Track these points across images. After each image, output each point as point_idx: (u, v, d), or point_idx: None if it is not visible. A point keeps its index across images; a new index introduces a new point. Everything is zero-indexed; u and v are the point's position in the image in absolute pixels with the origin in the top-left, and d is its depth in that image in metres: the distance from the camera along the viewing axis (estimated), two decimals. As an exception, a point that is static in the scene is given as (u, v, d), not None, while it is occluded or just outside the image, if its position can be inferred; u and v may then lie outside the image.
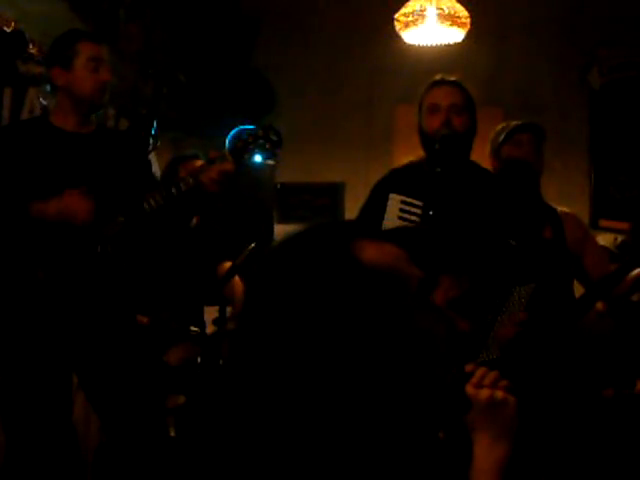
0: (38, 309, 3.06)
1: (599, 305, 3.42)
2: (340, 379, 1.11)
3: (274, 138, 3.21)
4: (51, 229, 3.07)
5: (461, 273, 2.63)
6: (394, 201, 2.95)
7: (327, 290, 1.13)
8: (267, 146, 3.20)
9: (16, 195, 3.09)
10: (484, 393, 1.41)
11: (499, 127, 3.52)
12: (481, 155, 3.35)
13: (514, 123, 3.50)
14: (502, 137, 3.43)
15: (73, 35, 3.23)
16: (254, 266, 1.23)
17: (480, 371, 1.43)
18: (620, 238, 4.22)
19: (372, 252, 1.16)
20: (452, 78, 3.04)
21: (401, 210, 2.94)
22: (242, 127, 3.63)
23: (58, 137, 3.19)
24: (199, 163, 4.14)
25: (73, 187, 3.08)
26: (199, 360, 3.69)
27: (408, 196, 2.94)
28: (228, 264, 4.13)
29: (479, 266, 2.75)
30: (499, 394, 1.41)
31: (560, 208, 3.42)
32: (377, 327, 1.12)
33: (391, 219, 2.91)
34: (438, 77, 3.06)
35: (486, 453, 1.39)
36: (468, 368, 1.44)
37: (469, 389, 1.41)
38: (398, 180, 3.07)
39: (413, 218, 2.90)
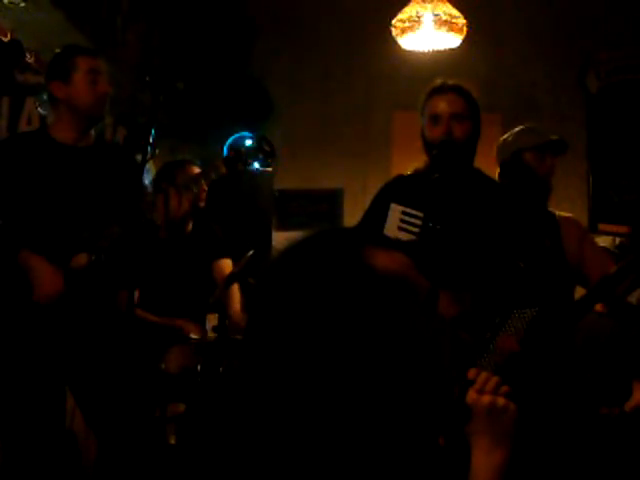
0: (31, 319, 3.06)
1: (598, 307, 3.42)
2: (350, 382, 1.11)
3: (267, 149, 3.25)
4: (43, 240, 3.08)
5: (462, 290, 2.62)
6: (395, 211, 2.94)
7: (340, 295, 1.13)
8: (260, 156, 3.24)
9: (14, 211, 3.09)
10: (485, 399, 1.41)
11: (519, 128, 3.48)
12: (480, 161, 3.34)
13: (542, 133, 3.47)
14: (529, 145, 3.39)
15: (71, 50, 3.28)
16: (260, 272, 1.23)
17: (482, 377, 1.43)
18: (619, 239, 4.21)
19: (383, 259, 1.16)
20: (453, 82, 3.01)
21: (401, 221, 2.92)
22: (240, 134, 3.66)
23: (57, 150, 3.20)
24: (195, 169, 4.15)
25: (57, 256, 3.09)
26: (199, 368, 3.68)
27: (410, 205, 2.92)
28: (227, 264, 4.13)
29: (481, 282, 2.75)
30: (500, 401, 1.41)
31: (559, 213, 3.41)
32: (386, 333, 1.12)
33: (391, 229, 2.89)
34: (438, 82, 3.02)
35: (484, 459, 1.39)
36: (471, 374, 1.44)
37: (471, 394, 1.41)
38: (401, 188, 3.05)
39: (413, 229, 2.88)
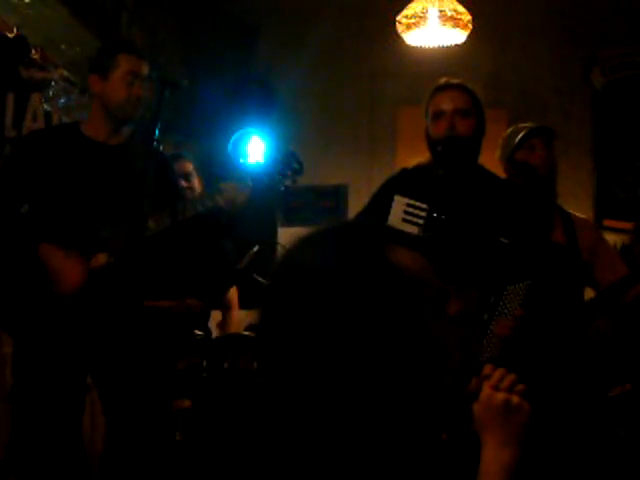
0: (52, 314, 3.05)
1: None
2: (362, 377, 1.12)
3: (296, 166, 3.19)
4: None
5: (468, 286, 2.63)
6: (399, 203, 2.94)
7: (362, 291, 1.13)
8: (288, 174, 3.20)
9: (38, 206, 3.11)
10: (500, 396, 1.40)
11: (508, 131, 3.49)
12: (486, 157, 3.33)
13: (524, 127, 3.46)
14: (515, 143, 3.39)
15: (117, 46, 3.26)
16: (274, 266, 1.22)
17: (498, 373, 1.42)
18: (619, 242, 4.19)
19: (403, 257, 1.17)
20: (456, 81, 3.02)
21: (405, 212, 2.92)
22: (244, 131, 3.65)
23: (86, 146, 3.18)
24: (187, 164, 4.15)
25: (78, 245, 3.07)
26: (204, 364, 3.69)
27: (413, 198, 2.93)
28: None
29: (482, 274, 2.75)
30: (515, 399, 1.40)
31: (574, 213, 3.42)
32: (402, 330, 1.13)
33: (395, 221, 2.89)
34: (442, 81, 3.03)
35: (494, 456, 1.38)
36: (486, 370, 1.44)
37: (486, 389, 1.41)
38: (405, 181, 3.05)
39: (417, 221, 2.89)
